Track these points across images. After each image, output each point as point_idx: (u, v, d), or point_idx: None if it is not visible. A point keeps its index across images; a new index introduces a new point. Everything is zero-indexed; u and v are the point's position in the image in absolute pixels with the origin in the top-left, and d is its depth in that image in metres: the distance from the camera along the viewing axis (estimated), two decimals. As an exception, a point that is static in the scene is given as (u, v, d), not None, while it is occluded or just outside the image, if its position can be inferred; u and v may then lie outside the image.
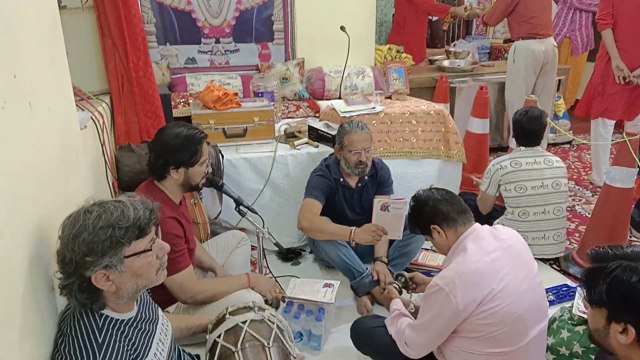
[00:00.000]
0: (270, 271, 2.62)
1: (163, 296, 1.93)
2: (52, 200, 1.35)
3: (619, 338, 1.04)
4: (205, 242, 2.63)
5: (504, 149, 4.55)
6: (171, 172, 2.00)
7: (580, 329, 2.01)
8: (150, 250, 1.27)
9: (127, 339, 1.26)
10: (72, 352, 1.18)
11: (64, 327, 1.24)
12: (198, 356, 1.70)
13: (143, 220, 1.23)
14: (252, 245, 2.68)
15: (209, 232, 2.80)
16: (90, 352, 1.18)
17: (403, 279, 2.29)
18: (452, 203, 1.91)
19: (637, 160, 2.65)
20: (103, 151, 2.32)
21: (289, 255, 3.03)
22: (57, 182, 1.44)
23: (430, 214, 1.91)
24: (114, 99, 2.68)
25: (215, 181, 2.25)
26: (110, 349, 1.20)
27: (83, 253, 1.16)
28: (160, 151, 1.98)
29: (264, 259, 2.44)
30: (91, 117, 2.18)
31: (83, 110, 2.19)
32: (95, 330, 1.22)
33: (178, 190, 2.08)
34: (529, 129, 2.87)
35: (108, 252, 1.18)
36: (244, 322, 1.60)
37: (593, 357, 1.96)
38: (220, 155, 2.78)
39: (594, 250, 1.21)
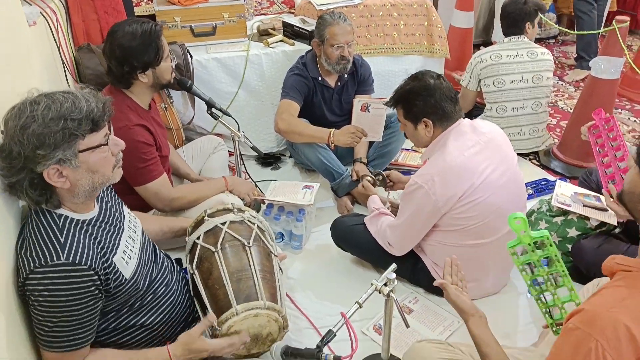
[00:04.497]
0: (249, 176, 2.57)
1: (139, 205, 1.88)
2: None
3: None
4: (180, 148, 2.54)
5: (489, 45, 4.39)
6: (139, 77, 1.84)
7: (559, 219, 2.04)
8: (106, 144, 1.20)
9: (92, 238, 1.21)
10: (33, 255, 1.13)
11: (24, 232, 1.19)
12: (179, 260, 1.68)
13: (97, 113, 1.15)
14: (229, 151, 2.60)
15: (184, 138, 2.70)
16: (53, 251, 1.13)
17: (380, 177, 2.27)
18: (455, 103, 1.77)
19: (625, 49, 2.56)
20: (60, 52, 2.14)
21: (268, 160, 2.97)
22: (3, 80, 1.30)
23: (430, 107, 1.74)
24: (68, -6, 2.43)
25: (183, 81, 2.11)
26: (74, 247, 1.15)
27: (34, 146, 1.09)
28: (122, 57, 1.79)
29: (243, 164, 2.37)
30: (41, 13, 1.97)
31: (30, 4, 1.97)
32: (56, 229, 1.17)
33: (147, 93, 1.94)
34: (509, 11, 2.74)
35: (61, 145, 1.11)
36: (223, 224, 1.57)
37: (569, 246, 2.01)
38: (188, 55, 2.60)
39: None
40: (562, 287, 1.35)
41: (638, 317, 0.92)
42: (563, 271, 1.33)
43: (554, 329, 1.40)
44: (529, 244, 1.31)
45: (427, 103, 1.74)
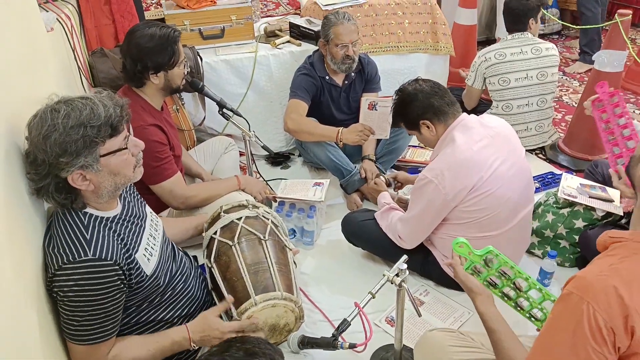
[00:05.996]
0: (260, 175, 2.62)
1: (155, 203, 1.93)
2: (20, 103, 1.28)
3: None
4: (192, 149, 2.59)
5: (493, 43, 4.42)
6: (150, 77, 1.90)
7: (565, 211, 2.07)
8: (126, 148, 1.25)
9: (116, 235, 1.26)
10: (61, 252, 1.18)
11: (51, 230, 1.24)
12: (195, 257, 1.73)
13: (115, 118, 1.19)
14: (240, 151, 2.65)
15: (195, 139, 2.76)
16: (80, 248, 1.18)
17: (388, 182, 2.31)
18: (442, 96, 1.84)
19: (628, 42, 2.59)
20: (75, 57, 2.20)
21: (278, 159, 3.02)
22: (24, 85, 1.36)
23: (421, 109, 1.83)
24: (81, 1, 2.50)
25: (195, 83, 2.16)
26: (100, 243, 1.20)
27: (56, 154, 1.14)
28: (137, 56, 1.86)
29: (253, 164, 2.42)
30: (57, 19, 2.03)
31: (47, 11, 2.03)
32: (82, 227, 1.22)
33: (158, 95, 2.00)
34: (512, 8, 2.75)
35: (82, 152, 1.16)
36: (239, 219, 1.62)
37: (577, 237, 2.04)
38: (198, 57, 2.65)
39: None
40: (530, 290, 1.34)
41: (626, 280, 0.97)
42: (521, 275, 1.32)
43: None
44: (480, 262, 1.31)
45: (415, 107, 1.83)
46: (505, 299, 1.37)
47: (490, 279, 1.33)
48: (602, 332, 0.96)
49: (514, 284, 1.33)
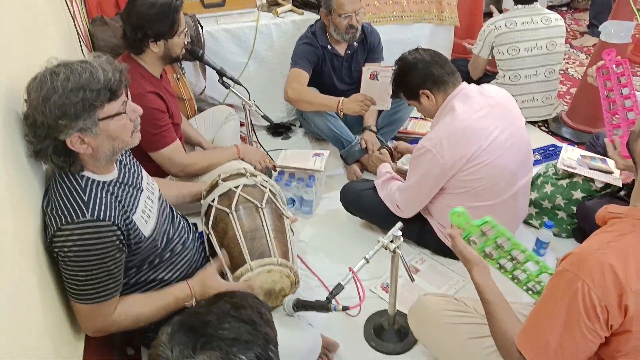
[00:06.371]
0: (260, 145, 2.63)
1: (154, 171, 1.95)
2: (19, 68, 1.29)
3: None
4: (192, 118, 2.60)
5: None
6: (150, 45, 1.90)
7: (564, 182, 2.08)
8: (124, 112, 1.26)
9: (114, 197, 1.28)
10: (59, 213, 1.20)
11: (50, 192, 1.26)
12: (195, 225, 1.76)
13: (114, 83, 1.20)
14: (240, 122, 2.65)
15: (196, 108, 2.76)
16: (77, 209, 1.20)
17: (387, 150, 2.31)
18: (442, 65, 1.83)
19: (637, 12, 2.54)
20: (75, 24, 2.19)
21: (279, 130, 3.02)
22: (23, 51, 1.36)
23: (420, 78, 1.82)
24: (79, -34, 2.47)
25: (195, 51, 2.15)
26: (97, 205, 1.22)
27: (55, 116, 1.14)
28: (137, 23, 1.85)
29: (254, 134, 2.43)
30: (55, -15, 2.01)
31: (45, -23, 2.02)
32: (79, 189, 1.24)
33: (158, 64, 2.00)
34: None
35: (81, 115, 1.16)
36: (237, 187, 1.63)
37: (574, 208, 2.05)
38: (199, 26, 2.63)
39: None
40: (527, 262, 1.33)
41: (623, 258, 0.97)
42: (518, 247, 1.31)
43: None
44: (477, 233, 1.29)
45: (415, 76, 1.82)
46: (502, 270, 1.36)
47: (487, 249, 1.32)
48: (596, 310, 0.97)
49: (510, 255, 1.32)
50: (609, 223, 1.06)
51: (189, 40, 2.07)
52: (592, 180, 2.01)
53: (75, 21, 2.19)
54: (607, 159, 2.07)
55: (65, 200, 1.22)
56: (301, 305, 1.40)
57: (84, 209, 1.21)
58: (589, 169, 2.03)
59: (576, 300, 0.98)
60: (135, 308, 1.34)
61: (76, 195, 1.23)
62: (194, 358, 0.64)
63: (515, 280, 1.37)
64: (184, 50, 2.01)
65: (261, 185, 1.69)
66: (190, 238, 1.58)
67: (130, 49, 1.95)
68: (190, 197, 1.81)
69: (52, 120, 1.15)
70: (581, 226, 2.01)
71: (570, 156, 2.12)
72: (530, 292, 1.38)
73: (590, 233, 1.86)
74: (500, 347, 1.19)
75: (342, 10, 2.45)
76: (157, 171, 1.99)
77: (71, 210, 1.20)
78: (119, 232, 1.24)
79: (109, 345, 1.59)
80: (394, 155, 2.38)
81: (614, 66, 1.82)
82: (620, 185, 1.96)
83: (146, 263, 1.41)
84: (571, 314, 0.99)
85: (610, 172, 2.01)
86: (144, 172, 1.51)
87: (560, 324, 1.01)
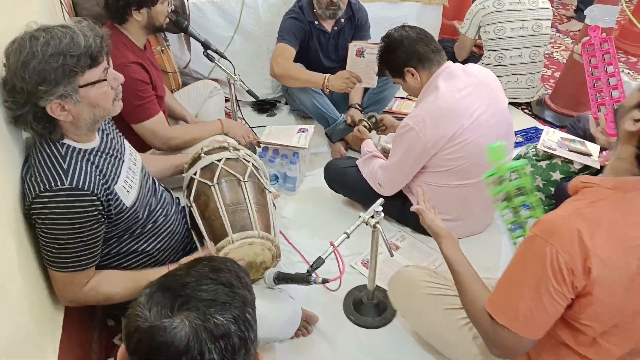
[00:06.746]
0: (245, 121, 2.61)
1: (137, 143, 1.92)
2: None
3: (629, 125, 1.03)
4: (176, 92, 2.57)
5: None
6: (133, 14, 1.88)
7: (544, 163, 2.11)
8: (105, 80, 1.24)
9: (94, 166, 1.27)
10: (38, 180, 1.19)
11: (29, 160, 1.25)
12: (178, 199, 1.75)
13: (95, 49, 1.18)
14: (225, 97, 2.63)
15: (180, 82, 2.72)
16: (57, 177, 1.19)
17: (374, 119, 2.31)
18: (427, 43, 1.84)
19: (621, -3, 2.56)
20: (55, -8, 2.13)
21: (264, 106, 3.00)
22: (2, 15, 1.33)
23: (406, 56, 1.82)
24: None
25: (179, 22, 2.12)
26: (77, 174, 1.21)
27: (35, 82, 1.12)
28: None
29: (239, 110, 2.41)
30: (34, -51, 1.95)
31: (23, -60, 1.95)
32: (59, 157, 1.23)
33: (141, 33, 1.97)
34: None
35: (61, 81, 1.15)
36: (219, 160, 1.62)
37: (552, 189, 2.09)
38: (184, -3, 2.59)
39: None
40: (532, 217, 1.37)
41: (590, 223, 1.00)
42: (537, 202, 1.35)
43: None
44: (505, 175, 1.32)
45: (400, 54, 1.82)
46: (513, 219, 1.39)
47: (507, 192, 1.35)
48: (563, 273, 1.00)
49: (524, 205, 1.36)
50: (580, 192, 1.09)
51: (173, 8, 2.03)
52: (571, 161, 2.04)
53: (57, -12, 2.13)
54: (587, 142, 2.10)
55: (45, 167, 1.21)
56: (282, 278, 1.42)
57: (63, 176, 1.20)
58: (569, 150, 2.07)
59: (545, 265, 1.01)
60: (108, 286, 1.34)
61: (56, 163, 1.22)
62: (171, 318, 0.65)
63: (512, 228, 1.41)
64: (167, 20, 1.99)
65: (244, 159, 1.69)
66: (173, 210, 1.58)
67: (113, 18, 1.91)
68: (172, 169, 1.80)
69: (32, 86, 1.13)
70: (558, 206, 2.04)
71: (551, 138, 2.15)
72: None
73: (567, 214, 1.94)
74: (471, 316, 1.23)
75: None
76: (140, 144, 1.97)
77: (50, 177, 1.19)
78: (97, 203, 1.23)
79: (89, 316, 1.59)
80: (372, 129, 2.37)
81: (599, 43, 1.83)
82: (598, 167, 1.99)
83: (127, 233, 1.41)
84: (540, 277, 1.02)
85: (589, 155, 2.04)
86: (127, 143, 1.50)
87: (530, 288, 1.04)
